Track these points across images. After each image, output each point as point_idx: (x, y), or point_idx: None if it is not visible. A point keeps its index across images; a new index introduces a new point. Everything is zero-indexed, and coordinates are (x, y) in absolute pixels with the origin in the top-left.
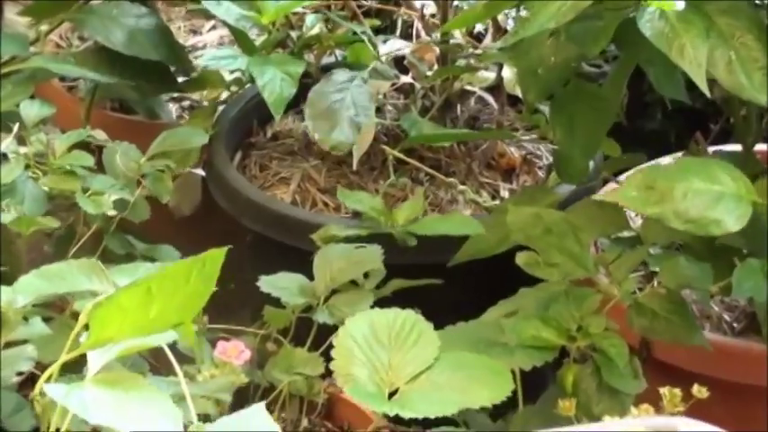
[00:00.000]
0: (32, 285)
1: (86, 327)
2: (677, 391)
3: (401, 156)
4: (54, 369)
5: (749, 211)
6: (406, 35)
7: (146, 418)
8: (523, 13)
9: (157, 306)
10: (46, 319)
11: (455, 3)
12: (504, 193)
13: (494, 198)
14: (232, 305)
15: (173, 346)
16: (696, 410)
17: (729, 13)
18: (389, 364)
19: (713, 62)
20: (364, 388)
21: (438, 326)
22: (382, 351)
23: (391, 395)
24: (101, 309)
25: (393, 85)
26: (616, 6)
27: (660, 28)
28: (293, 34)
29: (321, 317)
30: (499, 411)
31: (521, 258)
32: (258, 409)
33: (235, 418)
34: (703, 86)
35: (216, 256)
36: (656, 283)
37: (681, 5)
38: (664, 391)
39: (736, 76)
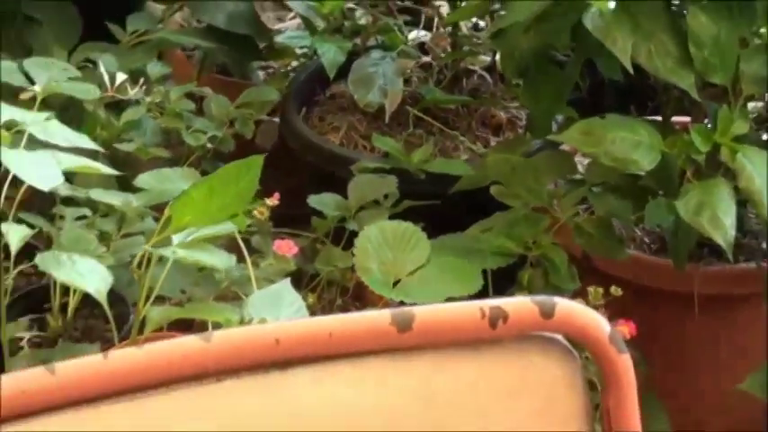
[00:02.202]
0: (148, 182)
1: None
2: (600, 289)
3: (420, 114)
4: (149, 245)
5: (659, 156)
6: (428, 27)
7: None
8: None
9: (217, 199)
10: (155, 219)
11: (462, 3)
12: (493, 144)
13: (485, 147)
14: (295, 217)
15: (246, 243)
16: (618, 306)
17: (650, 16)
18: (394, 261)
19: (638, 51)
20: (376, 278)
21: (436, 237)
22: (389, 251)
23: (395, 284)
24: (178, 201)
25: (416, 63)
26: (571, 8)
27: (599, 24)
28: (346, 24)
29: (351, 225)
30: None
31: (495, 190)
32: (285, 284)
33: (266, 291)
34: (628, 66)
35: (256, 162)
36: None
37: (612, 5)
38: (590, 288)
39: (654, 62)
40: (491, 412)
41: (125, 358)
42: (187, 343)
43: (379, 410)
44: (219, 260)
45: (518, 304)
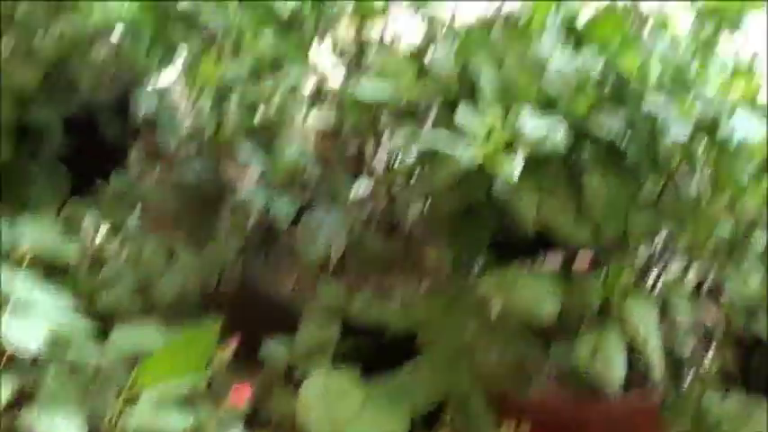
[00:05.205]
0: (120, 338)
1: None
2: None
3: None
4: (121, 401)
5: (559, 306)
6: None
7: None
8: None
9: (180, 360)
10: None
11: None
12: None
13: (419, 283)
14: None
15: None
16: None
17: (552, 180)
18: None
19: (541, 208)
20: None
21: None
22: (327, 403)
23: None
24: (146, 363)
25: (358, 214)
26: (482, 177)
27: (506, 188)
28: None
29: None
30: None
31: (420, 337)
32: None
33: None
34: (531, 225)
35: (213, 328)
36: None
37: (516, 175)
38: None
39: (555, 218)
40: None
41: None
42: None
43: None
44: (176, 423)
45: None
